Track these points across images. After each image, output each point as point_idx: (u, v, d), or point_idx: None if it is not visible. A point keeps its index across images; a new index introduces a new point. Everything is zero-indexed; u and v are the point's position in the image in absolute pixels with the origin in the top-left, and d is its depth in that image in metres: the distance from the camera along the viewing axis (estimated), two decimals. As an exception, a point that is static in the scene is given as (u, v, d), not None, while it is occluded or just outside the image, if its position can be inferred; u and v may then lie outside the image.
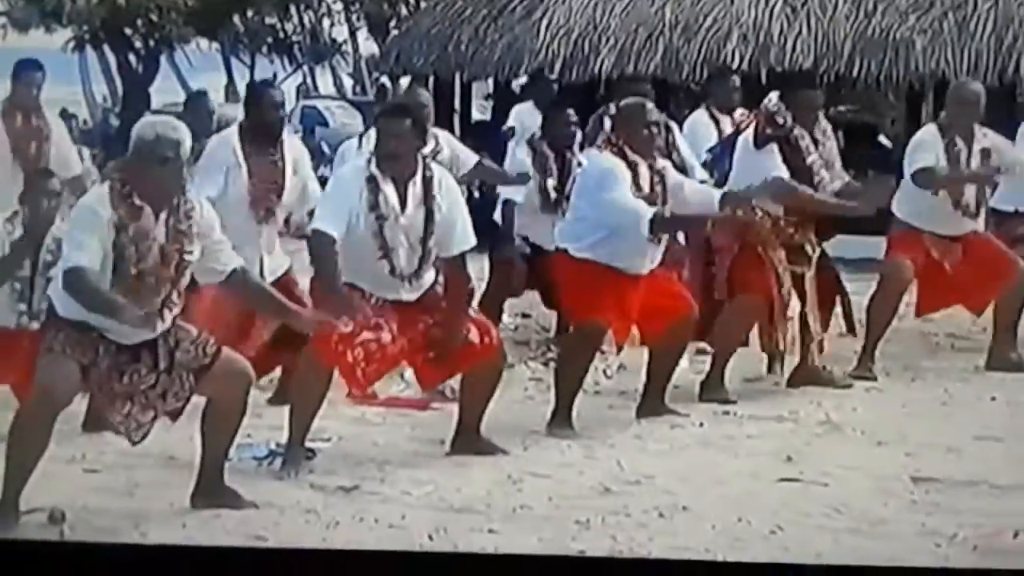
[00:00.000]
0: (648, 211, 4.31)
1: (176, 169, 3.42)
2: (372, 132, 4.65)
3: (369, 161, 3.97)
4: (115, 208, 3.37)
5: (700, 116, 5.95)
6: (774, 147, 4.79)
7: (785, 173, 4.79)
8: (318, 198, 4.73)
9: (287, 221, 4.72)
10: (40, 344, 3.46)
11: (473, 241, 4.07)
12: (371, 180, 3.94)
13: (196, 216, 3.46)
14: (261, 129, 4.61)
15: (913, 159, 5.20)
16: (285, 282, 4.69)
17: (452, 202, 4.02)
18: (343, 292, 3.87)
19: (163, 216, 3.42)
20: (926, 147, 5.19)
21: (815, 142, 4.86)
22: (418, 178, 3.96)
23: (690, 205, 4.48)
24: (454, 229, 4.01)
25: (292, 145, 4.73)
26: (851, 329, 5.10)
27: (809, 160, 4.80)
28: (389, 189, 3.93)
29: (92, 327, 3.41)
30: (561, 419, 4.44)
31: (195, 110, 5.18)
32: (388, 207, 3.92)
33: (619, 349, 4.84)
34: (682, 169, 5.19)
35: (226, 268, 3.53)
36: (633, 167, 4.38)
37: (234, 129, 4.66)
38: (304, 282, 4.97)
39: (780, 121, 4.80)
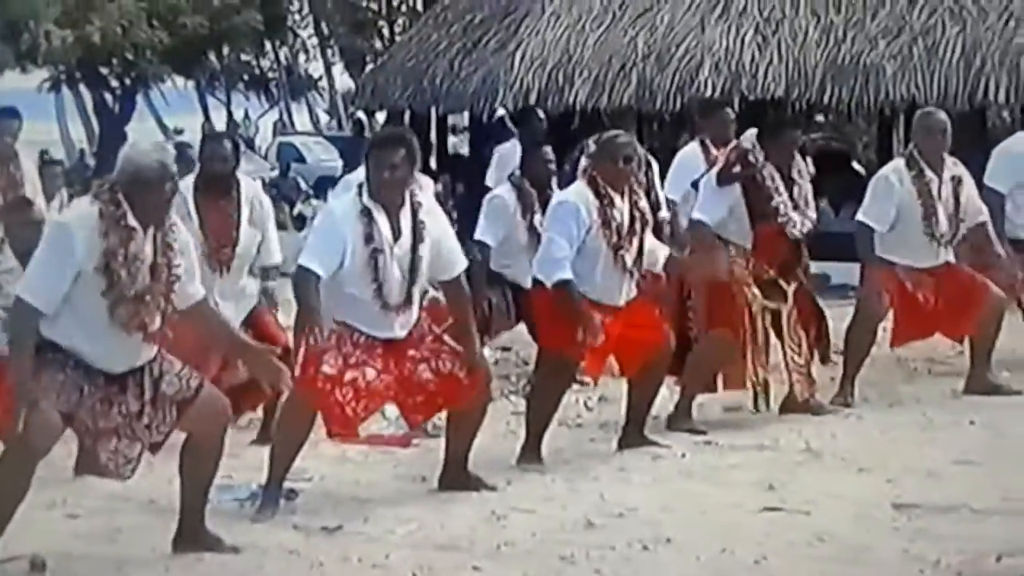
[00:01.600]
0: (562, 273, 4.31)
1: (173, 189, 3.46)
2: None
3: (360, 193, 3.96)
4: (105, 235, 3.36)
5: (693, 148, 5.94)
6: (735, 189, 4.82)
7: (717, 217, 4.78)
8: (275, 250, 4.78)
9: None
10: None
11: (465, 262, 4.10)
12: (365, 212, 3.93)
13: (178, 232, 3.49)
14: (211, 181, 4.65)
15: (867, 206, 5.22)
16: (258, 314, 4.71)
17: (441, 227, 4.05)
18: (321, 323, 3.84)
19: (151, 232, 3.43)
20: (883, 195, 5.20)
21: (790, 182, 4.87)
22: (407, 208, 3.97)
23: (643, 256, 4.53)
24: (451, 252, 4.04)
25: (250, 196, 4.73)
26: (824, 360, 5.10)
27: (775, 202, 4.82)
28: (382, 220, 3.93)
29: (78, 357, 3.37)
30: (530, 451, 4.44)
31: (178, 160, 5.18)
32: (382, 238, 3.92)
33: (594, 382, 4.85)
34: (655, 207, 5.23)
35: (197, 295, 3.53)
36: (607, 200, 4.41)
37: (190, 180, 4.68)
38: (283, 318, 4.98)
39: (751, 160, 4.83)
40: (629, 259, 4.44)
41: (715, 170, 4.97)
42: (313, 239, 4.02)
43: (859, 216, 5.29)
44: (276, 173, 17.11)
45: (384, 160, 3.94)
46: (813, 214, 4.98)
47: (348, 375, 3.88)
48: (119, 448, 3.43)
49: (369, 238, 3.90)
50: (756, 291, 4.85)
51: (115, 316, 3.37)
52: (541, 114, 7.41)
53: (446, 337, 4.12)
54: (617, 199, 4.44)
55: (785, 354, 4.91)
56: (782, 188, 4.84)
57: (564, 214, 4.42)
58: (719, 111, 6.14)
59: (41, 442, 3.35)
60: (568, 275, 4.34)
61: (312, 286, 3.88)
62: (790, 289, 4.94)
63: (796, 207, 4.87)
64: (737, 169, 4.83)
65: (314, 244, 3.98)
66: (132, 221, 3.38)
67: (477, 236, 5.40)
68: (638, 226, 4.46)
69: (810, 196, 4.98)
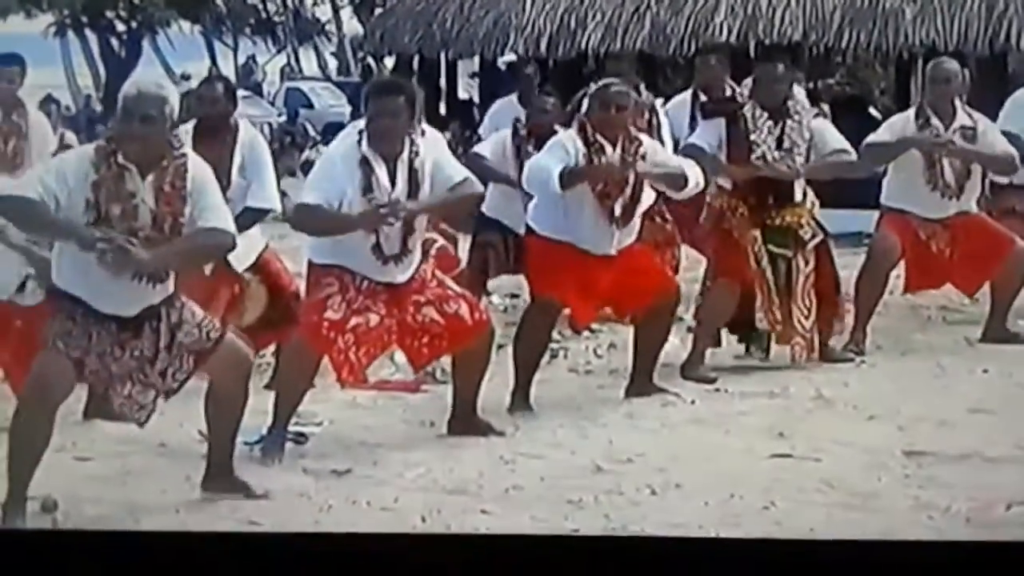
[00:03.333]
0: (556, 166, 4.26)
1: (159, 127, 3.30)
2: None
3: (360, 141, 3.92)
4: (96, 166, 3.28)
5: (683, 96, 5.87)
6: (720, 121, 4.80)
7: (708, 143, 4.77)
8: (268, 196, 4.60)
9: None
10: (39, 325, 3.38)
11: (467, 173, 4.03)
12: (364, 162, 3.89)
13: (190, 177, 3.38)
14: (205, 125, 4.53)
15: (878, 132, 5.22)
16: (264, 259, 4.65)
17: (435, 162, 3.97)
18: (359, 217, 3.83)
19: (150, 178, 3.34)
20: (889, 128, 5.19)
21: (778, 120, 4.79)
22: (405, 156, 3.93)
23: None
24: (452, 169, 3.97)
25: (246, 142, 4.59)
26: (830, 329, 4.98)
27: (753, 136, 4.77)
28: (380, 169, 3.89)
29: (87, 304, 3.33)
30: (519, 398, 4.41)
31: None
32: (380, 189, 3.88)
33: (584, 328, 4.81)
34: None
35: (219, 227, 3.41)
36: (599, 149, 4.34)
37: (190, 125, 4.57)
38: (291, 265, 4.96)
39: (735, 98, 4.79)
40: (618, 208, 4.38)
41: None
42: (313, 180, 3.98)
43: (868, 139, 5.19)
44: (284, 119, 16.99)
45: (382, 108, 3.89)
46: (842, 152, 4.84)
47: (352, 321, 3.86)
48: (132, 394, 3.40)
49: (367, 189, 3.86)
50: (757, 234, 4.79)
51: (101, 256, 3.29)
52: (529, 71, 7.34)
53: (449, 281, 4.10)
54: (608, 148, 4.36)
55: (791, 312, 4.85)
56: (766, 125, 4.77)
57: (552, 145, 4.39)
58: (704, 56, 6.01)
59: (57, 389, 3.34)
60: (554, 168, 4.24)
61: (318, 212, 3.83)
62: (810, 242, 4.86)
63: (780, 147, 4.79)
64: (714, 104, 4.81)
65: (313, 183, 3.95)
66: (122, 159, 3.30)
67: (484, 154, 5.39)
68: (631, 175, 4.38)
69: (805, 136, 4.81)
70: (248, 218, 4.52)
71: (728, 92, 4.87)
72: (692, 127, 5.28)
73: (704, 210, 5.01)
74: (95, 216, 3.30)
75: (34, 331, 3.49)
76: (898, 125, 5.23)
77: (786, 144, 4.80)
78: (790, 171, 4.82)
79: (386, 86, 4.13)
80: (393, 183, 3.90)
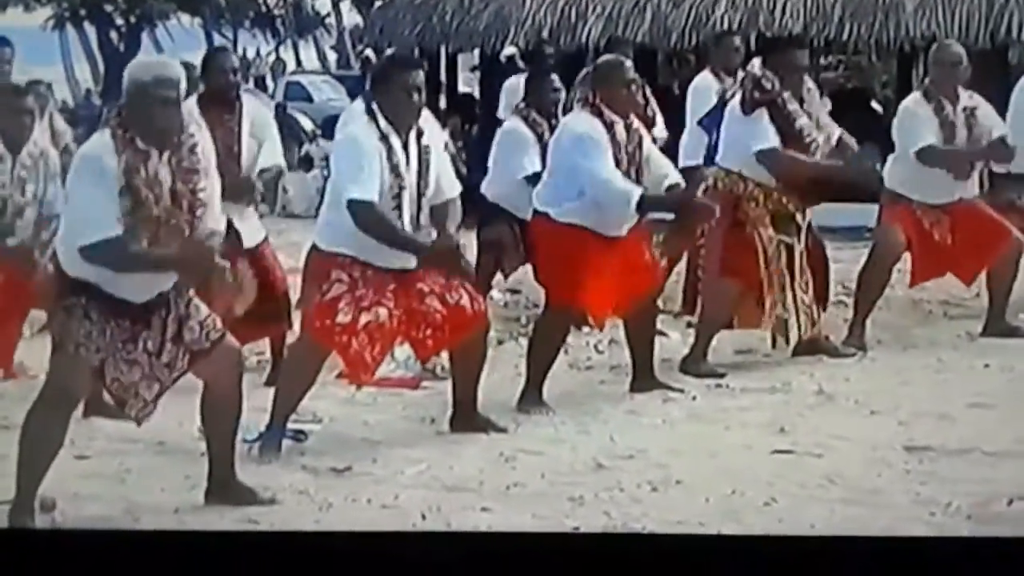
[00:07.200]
0: (636, 191, 4.25)
1: (178, 108, 3.31)
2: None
3: (375, 120, 3.83)
4: (120, 155, 3.23)
5: (704, 77, 5.80)
6: (763, 112, 4.73)
7: (777, 141, 4.73)
8: (276, 152, 4.65)
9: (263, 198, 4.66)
10: (50, 309, 3.34)
11: (459, 188, 4.00)
12: (384, 138, 3.79)
13: (200, 151, 3.33)
14: (216, 95, 4.54)
15: (912, 136, 5.11)
16: (261, 251, 4.64)
17: (440, 150, 3.99)
18: (420, 241, 3.79)
19: (166, 156, 3.29)
20: (920, 121, 5.12)
21: (801, 103, 4.80)
22: (414, 132, 3.89)
23: (649, 175, 4.41)
24: (446, 175, 3.95)
25: (252, 108, 4.65)
26: (823, 305, 5.00)
27: (799, 124, 4.75)
28: (397, 145, 3.84)
29: (102, 290, 3.28)
30: (531, 396, 4.39)
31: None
32: (400, 165, 3.83)
33: (600, 327, 4.79)
34: (650, 123, 5.08)
35: (216, 227, 3.40)
36: (610, 126, 4.30)
37: (192, 98, 4.54)
38: (289, 260, 4.94)
39: (767, 86, 4.74)
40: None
41: (735, 101, 4.85)
42: (349, 168, 3.80)
43: (920, 143, 5.07)
44: (282, 109, 16.89)
45: (408, 81, 3.84)
46: (834, 127, 4.86)
47: (363, 319, 3.81)
48: (139, 390, 3.37)
49: (394, 166, 3.80)
50: (771, 232, 4.77)
51: (135, 239, 3.26)
52: (550, 51, 7.33)
53: None
54: (619, 124, 4.33)
55: (795, 293, 4.84)
56: (800, 111, 4.75)
57: (592, 146, 4.26)
58: (724, 39, 6.02)
59: (77, 391, 3.31)
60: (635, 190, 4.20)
61: (377, 213, 3.75)
62: (804, 224, 4.86)
63: (817, 127, 4.78)
64: (758, 95, 4.72)
65: (353, 173, 3.77)
66: (141, 143, 3.28)
67: (528, 172, 5.13)
68: (634, 148, 4.34)
69: (823, 112, 4.85)
70: (268, 177, 4.56)
71: (755, 79, 4.70)
72: (716, 108, 5.16)
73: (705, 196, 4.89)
74: (131, 203, 3.25)
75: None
76: (922, 115, 5.09)
77: (820, 125, 4.77)
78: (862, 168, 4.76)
79: (408, 60, 4.10)
80: (408, 159, 3.85)
